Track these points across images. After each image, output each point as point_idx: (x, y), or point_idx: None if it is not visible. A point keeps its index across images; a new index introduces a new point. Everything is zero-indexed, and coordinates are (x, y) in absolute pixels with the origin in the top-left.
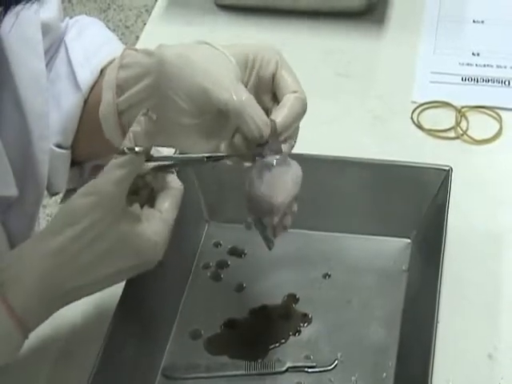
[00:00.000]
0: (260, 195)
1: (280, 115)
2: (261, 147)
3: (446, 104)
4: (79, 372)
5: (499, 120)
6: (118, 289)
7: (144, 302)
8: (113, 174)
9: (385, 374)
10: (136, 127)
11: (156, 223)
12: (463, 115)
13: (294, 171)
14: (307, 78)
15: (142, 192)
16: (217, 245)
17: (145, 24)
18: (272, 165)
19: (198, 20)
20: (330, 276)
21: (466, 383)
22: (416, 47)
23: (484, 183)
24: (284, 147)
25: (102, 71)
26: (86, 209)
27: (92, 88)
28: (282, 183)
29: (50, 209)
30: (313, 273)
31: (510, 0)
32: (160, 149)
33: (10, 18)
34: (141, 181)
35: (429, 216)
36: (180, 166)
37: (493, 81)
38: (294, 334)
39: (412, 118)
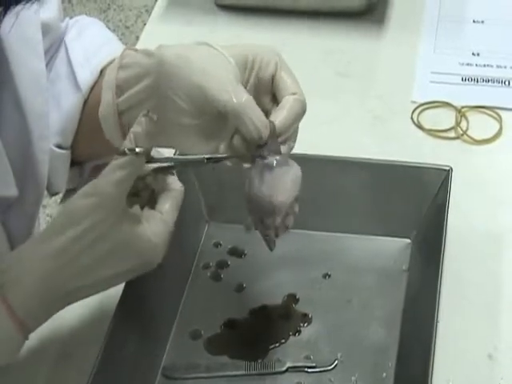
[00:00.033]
0: (261, 196)
1: (279, 117)
2: (260, 148)
3: (446, 104)
4: (79, 373)
5: (499, 120)
6: (117, 289)
7: (144, 302)
8: (113, 175)
9: (385, 374)
10: (137, 128)
11: (156, 225)
12: (463, 115)
13: (294, 172)
14: (307, 78)
15: (143, 193)
16: (217, 245)
17: (145, 24)
18: (272, 165)
19: (197, 20)
20: (330, 276)
21: (466, 383)
22: (416, 47)
23: (484, 183)
24: (283, 148)
25: (101, 71)
26: (87, 210)
27: (92, 88)
28: (282, 184)
29: (49, 209)
30: (313, 273)
31: (510, 0)
32: (160, 150)
33: (10, 18)
34: (141, 182)
35: (429, 216)
36: (180, 167)
37: (493, 81)
38: (294, 334)
39: (412, 118)
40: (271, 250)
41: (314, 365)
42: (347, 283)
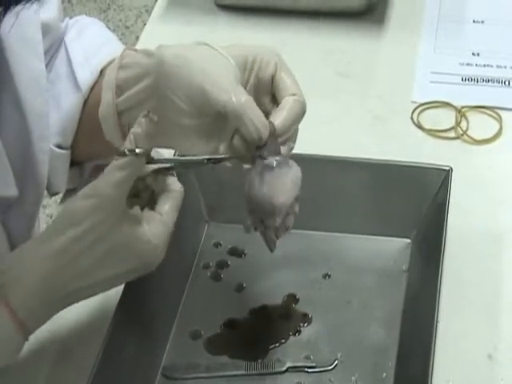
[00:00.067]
0: (261, 197)
1: (279, 118)
2: (260, 149)
3: (446, 104)
4: (78, 373)
5: (499, 120)
6: (118, 289)
7: (144, 302)
8: (113, 176)
9: (385, 374)
10: (137, 129)
11: (156, 226)
12: (463, 115)
13: (294, 172)
14: (307, 78)
15: (143, 194)
16: (217, 245)
17: (145, 24)
18: (272, 166)
19: (197, 20)
20: (330, 276)
21: (466, 383)
22: (416, 47)
23: (484, 183)
24: (283, 149)
25: (101, 71)
26: (87, 211)
27: (92, 88)
28: (282, 184)
29: (50, 209)
30: (313, 273)
31: (510, 0)
32: (160, 151)
33: (9, 18)
34: (141, 183)
35: (429, 216)
36: (180, 168)
37: (493, 81)
38: (294, 334)
39: (412, 118)
40: (272, 250)
41: (313, 365)
42: (347, 283)
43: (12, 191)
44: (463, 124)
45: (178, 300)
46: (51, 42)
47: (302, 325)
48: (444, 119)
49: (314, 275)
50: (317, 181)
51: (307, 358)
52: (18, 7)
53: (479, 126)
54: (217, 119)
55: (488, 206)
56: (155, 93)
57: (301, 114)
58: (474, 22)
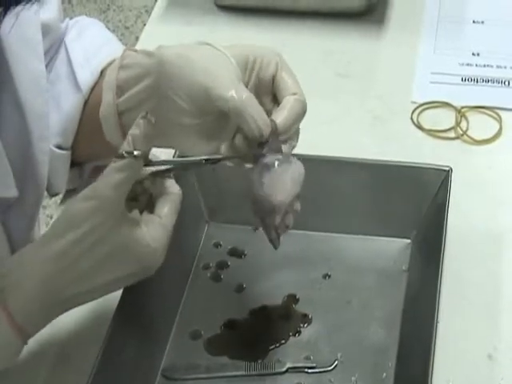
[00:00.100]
0: (262, 195)
1: (280, 117)
2: (261, 147)
3: (446, 104)
4: (78, 375)
5: (499, 120)
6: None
7: (144, 302)
8: (112, 178)
9: (385, 375)
10: (135, 130)
11: (155, 229)
12: (463, 115)
13: (296, 169)
14: (307, 79)
15: (141, 198)
16: (217, 245)
17: (144, 25)
18: (273, 164)
19: (197, 20)
20: (329, 276)
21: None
22: (416, 47)
23: (484, 183)
24: (284, 148)
25: (102, 72)
26: (87, 213)
27: (92, 89)
28: (282, 183)
29: (50, 210)
30: (313, 273)
31: (509, 0)
32: (158, 153)
33: (9, 18)
34: (139, 187)
35: (429, 216)
36: (179, 169)
37: (493, 81)
38: (294, 335)
39: (412, 119)
40: (275, 248)
41: (314, 365)
42: (347, 283)
43: (12, 192)
44: (463, 124)
45: (177, 300)
46: (51, 42)
47: (301, 325)
48: (444, 119)
49: (314, 275)
50: (317, 181)
51: (307, 358)
52: (18, 8)
53: (479, 126)
54: (218, 118)
55: (488, 206)
56: (156, 93)
57: (301, 113)
58: (473, 22)
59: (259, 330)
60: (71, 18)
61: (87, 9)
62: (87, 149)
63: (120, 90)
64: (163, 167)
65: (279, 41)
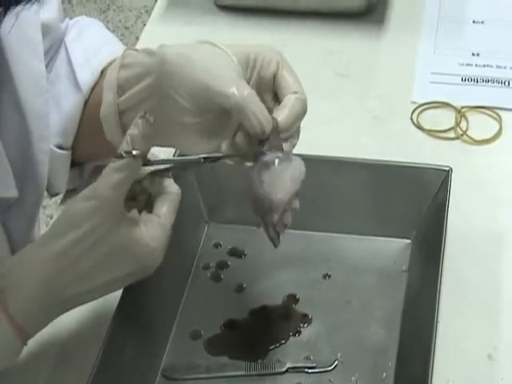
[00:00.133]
0: (262, 193)
1: (281, 115)
2: (262, 144)
3: (446, 104)
4: (78, 375)
5: (499, 120)
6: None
7: (144, 302)
8: (111, 178)
9: (385, 375)
10: (133, 130)
11: (154, 228)
12: (463, 115)
13: (296, 167)
14: (307, 79)
15: (140, 198)
16: (217, 245)
17: (144, 25)
18: (273, 162)
19: (197, 20)
20: (329, 276)
21: None
22: (416, 47)
23: (484, 183)
24: (285, 146)
25: (102, 72)
26: (87, 213)
27: (92, 89)
28: (281, 181)
29: (50, 210)
30: (313, 273)
31: (509, 0)
32: (158, 152)
33: (9, 18)
34: (138, 186)
35: (429, 216)
36: (178, 168)
37: (492, 81)
38: (294, 335)
39: (412, 119)
40: (275, 246)
41: (314, 365)
42: (347, 283)
43: (12, 192)
44: (463, 124)
45: (177, 300)
46: (51, 42)
47: (301, 325)
48: (444, 119)
49: (314, 275)
50: (316, 181)
51: (307, 358)
52: (18, 8)
53: (479, 126)
54: (219, 116)
55: (488, 207)
56: (157, 92)
57: (302, 111)
58: (473, 22)
59: (259, 330)
60: (71, 18)
61: (87, 9)
62: (87, 149)
63: (121, 89)
64: (162, 166)
65: (279, 41)
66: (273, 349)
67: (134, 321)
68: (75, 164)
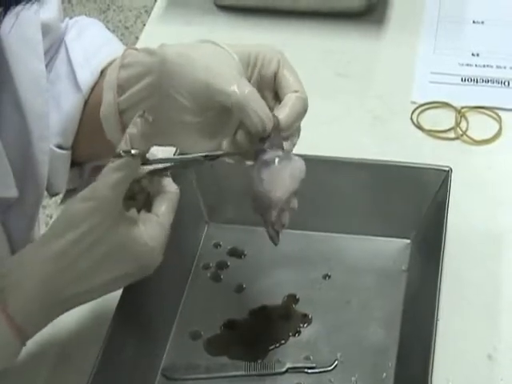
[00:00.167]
0: (261, 191)
1: (282, 113)
2: (263, 142)
3: (446, 104)
4: (78, 375)
5: (499, 120)
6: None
7: (144, 302)
8: (110, 178)
9: (385, 375)
10: (132, 129)
11: (153, 228)
12: (463, 115)
13: (296, 166)
14: (307, 78)
15: (138, 197)
16: (216, 245)
17: (144, 25)
18: (272, 161)
19: (197, 20)
20: (329, 276)
21: None
22: (416, 48)
23: (484, 183)
24: (286, 145)
25: (102, 72)
26: (85, 213)
27: (92, 88)
28: (280, 179)
29: (49, 209)
30: (312, 273)
31: (509, 0)
32: (156, 152)
33: (9, 18)
34: (137, 186)
35: (428, 216)
36: (178, 167)
37: (492, 81)
38: (294, 335)
39: (412, 119)
40: (275, 244)
41: (313, 365)
42: (347, 284)
43: (12, 192)
44: (463, 124)
45: (177, 301)
46: (51, 42)
47: (301, 325)
48: (444, 120)
49: (314, 275)
50: (316, 181)
51: (307, 358)
52: (18, 7)
53: (479, 126)
54: (220, 115)
55: (488, 207)
56: (157, 91)
57: (303, 110)
58: (473, 22)
59: (259, 330)
60: (71, 18)
61: (87, 9)
62: (87, 148)
63: (121, 88)
64: (161, 166)
65: (279, 41)
66: (272, 349)
67: (134, 321)
68: (75, 164)
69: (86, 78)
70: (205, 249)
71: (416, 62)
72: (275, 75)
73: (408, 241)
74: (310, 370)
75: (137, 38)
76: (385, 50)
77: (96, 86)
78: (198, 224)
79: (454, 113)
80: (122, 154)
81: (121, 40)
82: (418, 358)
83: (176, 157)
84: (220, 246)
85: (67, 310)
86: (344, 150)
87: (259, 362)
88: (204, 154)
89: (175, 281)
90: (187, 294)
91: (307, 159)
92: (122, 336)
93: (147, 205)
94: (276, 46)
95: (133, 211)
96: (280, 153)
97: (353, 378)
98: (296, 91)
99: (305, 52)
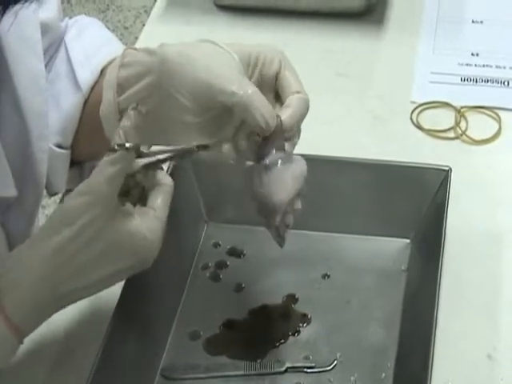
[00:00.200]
0: (264, 195)
1: (285, 114)
2: (265, 143)
3: (446, 104)
4: (77, 374)
5: (498, 120)
6: (116, 289)
7: (143, 302)
8: (105, 172)
9: (384, 375)
10: (125, 122)
11: (150, 221)
12: (462, 115)
13: (298, 167)
14: (307, 78)
15: (133, 191)
16: (216, 245)
17: (143, 25)
18: (274, 164)
19: (197, 20)
20: (329, 276)
21: None
22: (415, 47)
23: (483, 183)
24: (286, 146)
25: (101, 71)
26: (81, 208)
27: (92, 88)
28: (283, 182)
29: (49, 209)
30: (312, 273)
31: (509, 0)
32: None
33: (8, 17)
34: (131, 180)
35: (428, 216)
36: (172, 159)
37: (492, 81)
38: (294, 335)
39: (411, 119)
40: (281, 246)
41: (313, 365)
42: (346, 283)
43: (11, 192)
44: (462, 124)
45: (177, 300)
46: (50, 41)
47: (301, 325)
48: (443, 119)
49: (314, 275)
50: (316, 181)
51: (306, 358)
52: (17, 6)
53: (478, 126)
54: (220, 115)
55: (487, 206)
56: (157, 91)
57: (305, 111)
58: (473, 22)
59: (258, 330)
60: (70, 18)
61: (86, 9)
62: (87, 148)
63: (121, 88)
64: (155, 158)
65: (279, 41)
66: (272, 348)
67: (134, 320)
68: (75, 163)
69: (85, 77)
70: (204, 248)
71: (416, 62)
72: (277, 76)
73: (408, 240)
74: (309, 370)
75: (136, 38)
76: (385, 50)
77: (96, 86)
78: (197, 224)
79: (453, 112)
80: (117, 147)
81: (120, 40)
82: (418, 357)
83: (170, 148)
84: (219, 245)
85: (64, 306)
86: (344, 149)
87: (258, 361)
88: (197, 144)
89: (174, 280)
90: (186, 293)
91: (307, 159)
92: (122, 335)
93: (142, 199)
94: (276, 45)
95: (128, 205)
96: (282, 154)
97: (352, 378)
98: (298, 92)
99: (305, 52)
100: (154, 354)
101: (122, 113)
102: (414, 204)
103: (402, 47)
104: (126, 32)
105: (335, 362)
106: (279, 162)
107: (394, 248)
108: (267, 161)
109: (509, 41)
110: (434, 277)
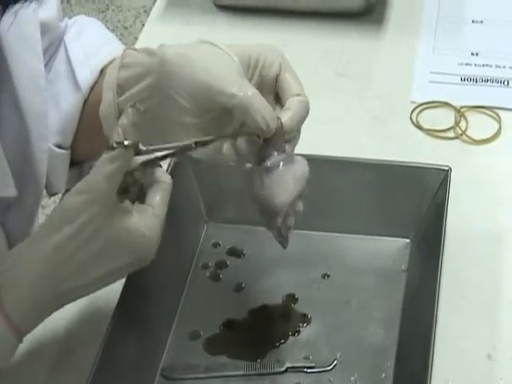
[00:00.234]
0: (265, 197)
1: (285, 116)
2: (266, 145)
3: (445, 104)
4: (77, 373)
5: (498, 120)
6: (116, 289)
7: (143, 302)
8: (104, 170)
9: (384, 375)
10: (123, 120)
11: (149, 218)
12: (462, 115)
13: (299, 168)
14: (307, 79)
15: (132, 189)
16: (216, 245)
17: (143, 25)
18: (276, 166)
19: (196, 20)
20: (329, 276)
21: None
22: (415, 47)
23: (483, 183)
24: (287, 147)
25: (101, 71)
26: (80, 206)
27: (92, 88)
28: (283, 184)
29: (49, 209)
30: (312, 273)
31: (509, 0)
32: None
33: (8, 16)
34: (130, 178)
35: (428, 216)
36: (170, 155)
37: (492, 81)
38: (293, 335)
39: (411, 118)
40: (284, 247)
41: (313, 365)
42: (346, 283)
43: (11, 192)
44: (462, 124)
45: (177, 300)
46: (50, 41)
47: (301, 325)
48: (443, 119)
49: (313, 275)
50: (316, 181)
51: (306, 358)
52: (17, 6)
53: (478, 125)
54: (219, 116)
55: (487, 206)
56: (157, 92)
57: (305, 114)
58: (472, 22)
59: (258, 330)
60: (70, 18)
61: (86, 9)
62: (87, 148)
63: (120, 88)
64: (153, 155)
65: (279, 41)
66: (272, 348)
67: (134, 320)
68: (74, 163)
69: (85, 77)
70: (204, 248)
71: (415, 62)
72: (277, 77)
73: (407, 240)
74: (309, 370)
75: (136, 38)
76: (384, 49)
77: (95, 86)
78: (197, 223)
79: (453, 112)
80: (115, 145)
81: (120, 40)
82: (418, 357)
83: (168, 145)
84: (219, 245)
85: (63, 305)
86: (344, 149)
87: (258, 361)
88: (196, 140)
89: (174, 280)
90: (186, 293)
91: (307, 159)
92: (122, 335)
93: (140, 196)
94: (276, 45)
95: (127, 203)
96: (283, 156)
97: (352, 378)
98: (298, 94)
99: (304, 52)
100: (153, 353)
101: (121, 113)
102: (414, 204)
103: (401, 47)
104: (126, 32)
105: (335, 362)
106: (281, 163)
107: (393, 248)
108: (268, 163)
109: (509, 41)
110: (434, 276)
